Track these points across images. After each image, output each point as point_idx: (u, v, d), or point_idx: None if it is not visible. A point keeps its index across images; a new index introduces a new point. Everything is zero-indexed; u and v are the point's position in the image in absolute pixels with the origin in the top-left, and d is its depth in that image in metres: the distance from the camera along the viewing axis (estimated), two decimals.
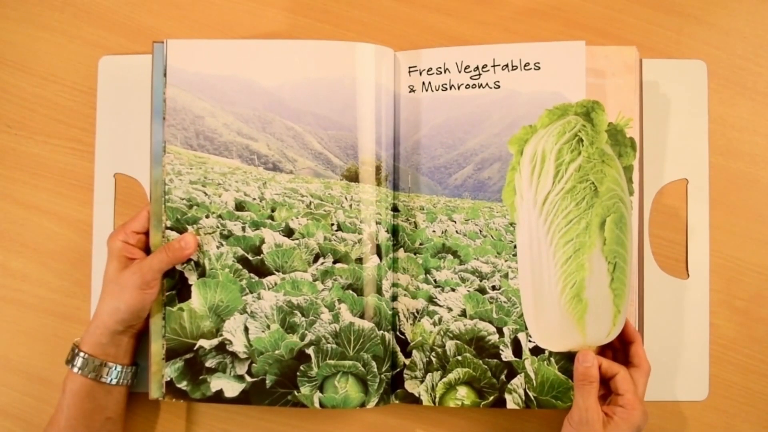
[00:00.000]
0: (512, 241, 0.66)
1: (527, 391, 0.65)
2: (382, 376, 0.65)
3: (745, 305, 0.70)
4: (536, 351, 0.65)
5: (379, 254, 0.66)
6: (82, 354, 0.62)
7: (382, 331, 0.65)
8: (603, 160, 0.60)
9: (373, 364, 0.65)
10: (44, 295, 0.72)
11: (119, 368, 0.63)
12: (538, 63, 0.66)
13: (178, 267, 0.65)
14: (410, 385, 0.66)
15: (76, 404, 0.62)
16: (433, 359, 0.66)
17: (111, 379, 0.63)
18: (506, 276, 0.66)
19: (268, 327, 0.65)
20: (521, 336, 0.65)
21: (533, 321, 0.64)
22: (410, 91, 0.68)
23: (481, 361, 0.66)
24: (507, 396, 0.65)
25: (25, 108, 0.73)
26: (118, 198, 0.71)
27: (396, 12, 0.73)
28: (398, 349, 0.67)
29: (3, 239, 0.73)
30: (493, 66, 0.66)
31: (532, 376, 0.65)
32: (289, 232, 0.67)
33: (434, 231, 0.68)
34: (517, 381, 0.65)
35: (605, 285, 0.61)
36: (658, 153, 0.70)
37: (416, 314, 0.67)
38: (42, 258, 0.72)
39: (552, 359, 0.65)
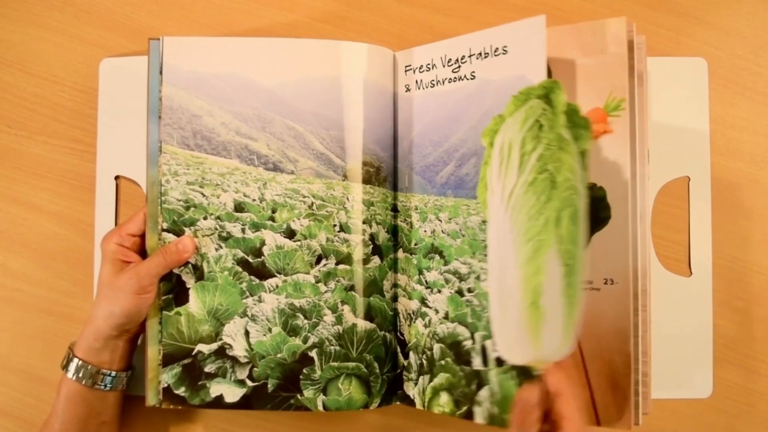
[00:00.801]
0: (484, 240, 0.54)
1: (492, 406, 0.53)
2: (384, 377, 0.58)
3: (745, 305, 0.63)
4: (501, 362, 0.52)
5: (380, 255, 0.58)
6: (76, 360, 0.55)
7: (383, 332, 0.58)
8: (560, 146, 0.48)
9: (376, 365, 0.58)
10: (44, 295, 0.65)
11: (114, 374, 0.56)
12: (506, 47, 0.54)
13: (176, 270, 0.58)
14: (407, 387, 0.59)
15: (70, 409, 0.55)
16: (424, 362, 0.58)
17: (105, 385, 0.56)
18: (479, 278, 0.54)
19: (270, 330, 0.57)
20: (488, 344, 0.53)
21: (498, 328, 0.51)
22: (406, 91, 0.60)
23: (458, 368, 0.55)
24: (475, 408, 0.54)
25: (25, 108, 0.66)
26: (120, 198, 0.64)
27: (396, 12, 0.66)
28: (399, 350, 0.60)
29: (3, 239, 0.66)
30: (470, 56, 0.57)
31: (496, 389, 0.52)
32: (290, 234, 0.58)
33: (425, 231, 0.60)
34: (485, 393, 0.53)
35: (559, 291, 0.47)
36: (659, 150, 0.63)
37: (412, 315, 0.59)
38: (42, 258, 0.66)
39: (513, 373, 0.51)
